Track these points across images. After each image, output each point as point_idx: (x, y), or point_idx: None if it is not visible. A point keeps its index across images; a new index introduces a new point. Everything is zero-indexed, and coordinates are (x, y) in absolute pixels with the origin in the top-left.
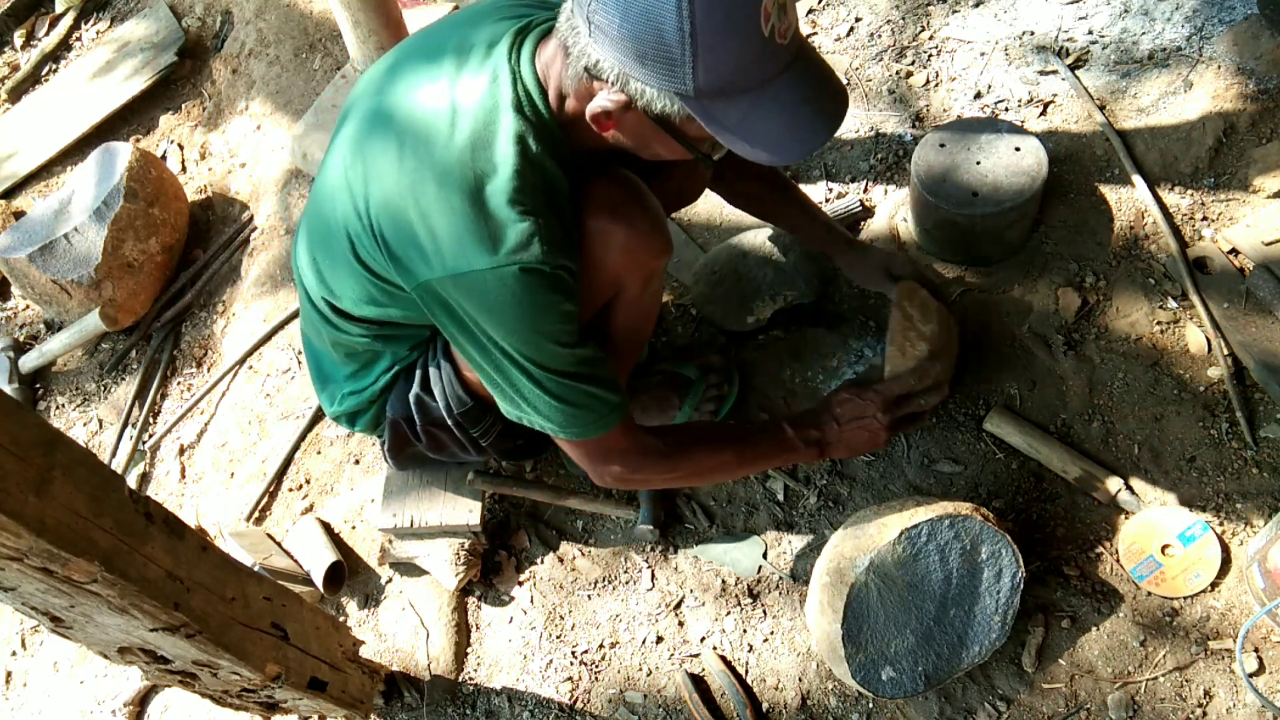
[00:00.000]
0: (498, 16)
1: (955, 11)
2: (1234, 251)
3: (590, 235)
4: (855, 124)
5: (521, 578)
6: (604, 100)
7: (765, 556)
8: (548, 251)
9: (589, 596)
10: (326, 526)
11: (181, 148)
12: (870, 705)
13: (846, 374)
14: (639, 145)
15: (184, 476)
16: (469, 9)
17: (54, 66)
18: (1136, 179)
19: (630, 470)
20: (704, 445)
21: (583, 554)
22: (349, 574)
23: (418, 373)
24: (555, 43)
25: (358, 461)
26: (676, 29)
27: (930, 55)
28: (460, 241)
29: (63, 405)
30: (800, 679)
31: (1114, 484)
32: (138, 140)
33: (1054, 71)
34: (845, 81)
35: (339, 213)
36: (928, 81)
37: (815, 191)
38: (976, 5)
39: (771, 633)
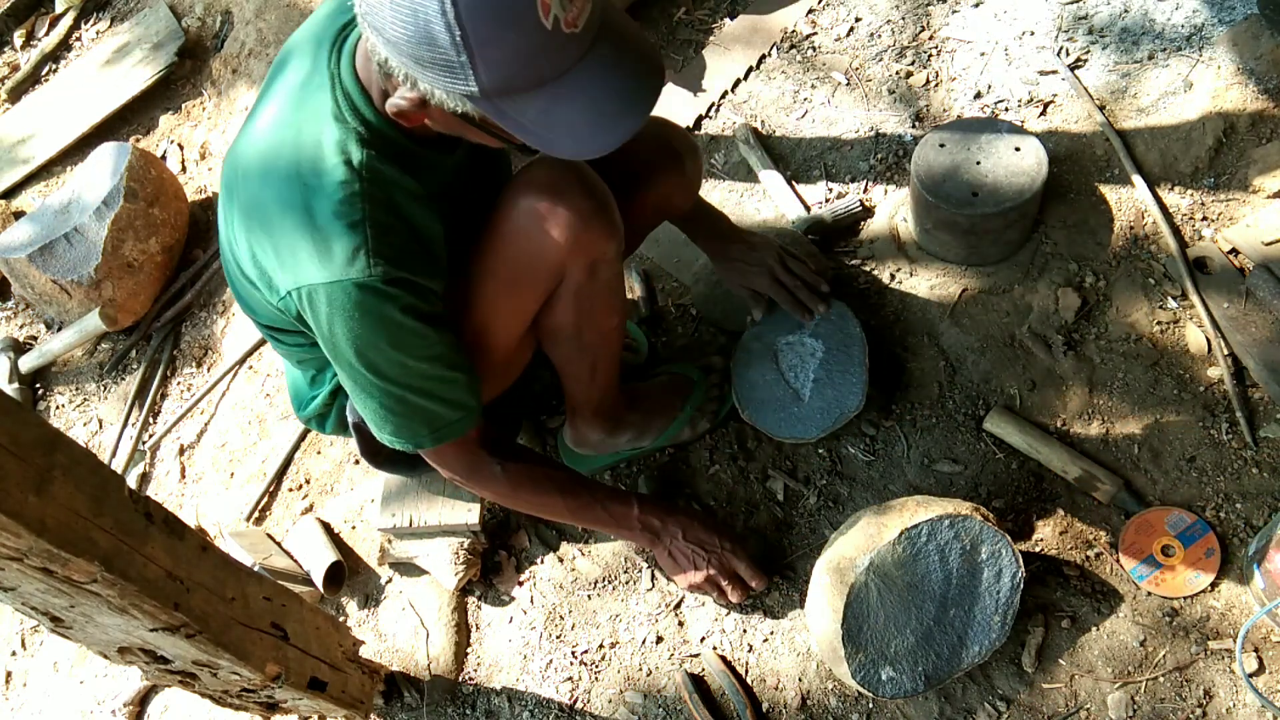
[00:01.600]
0: (332, 11)
1: (955, 11)
2: (1234, 251)
3: (520, 217)
4: (855, 124)
5: (521, 578)
6: (399, 99)
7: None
8: (377, 264)
9: (589, 596)
10: (326, 526)
11: (181, 148)
12: (870, 705)
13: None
14: (459, 134)
15: (184, 476)
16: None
17: (54, 66)
18: (1136, 179)
19: (459, 477)
20: (542, 489)
21: (583, 554)
22: (349, 574)
23: None
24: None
25: (358, 461)
26: (445, 31)
27: (930, 55)
28: (297, 257)
29: (63, 405)
30: (800, 679)
31: (1114, 484)
32: (138, 140)
33: (1054, 71)
34: (845, 81)
35: (222, 232)
36: (928, 81)
37: (815, 192)
38: (976, 5)
39: (771, 633)
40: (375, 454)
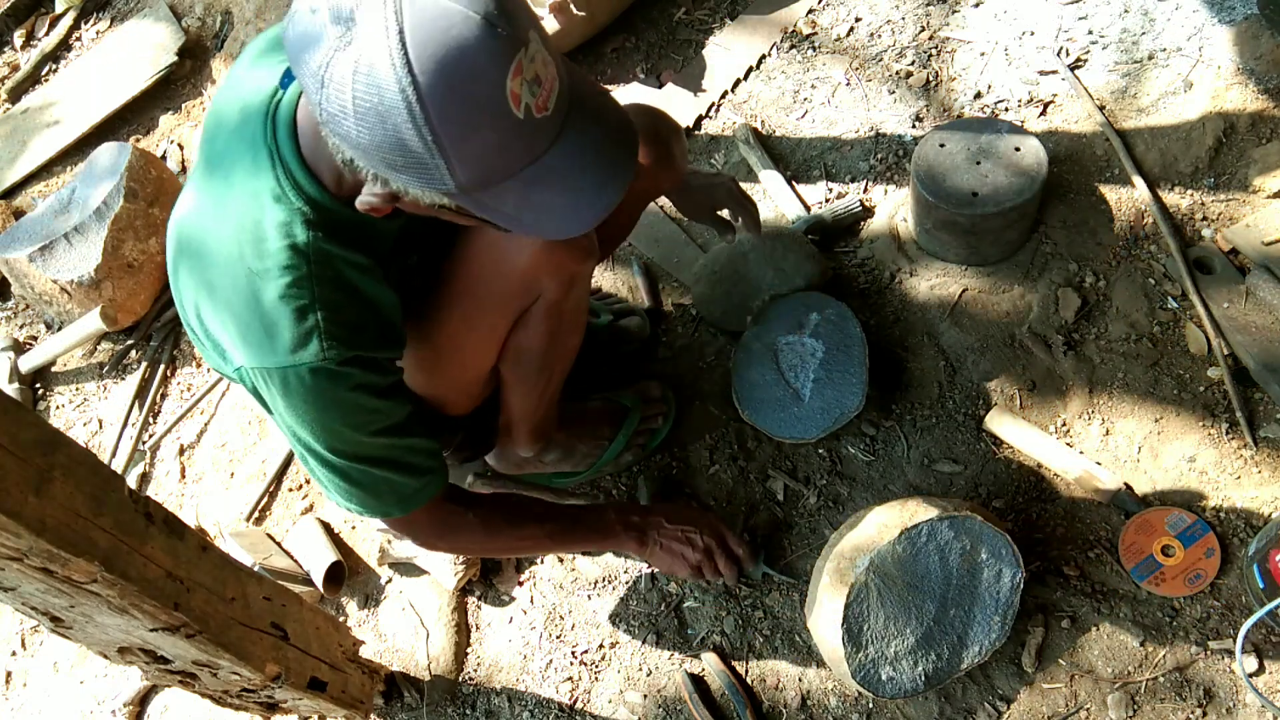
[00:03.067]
0: (255, 77)
1: (955, 11)
2: (1234, 251)
3: (500, 236)
4: (855, 124)
5: (521, 578)
6: (370, 196)
7: (766, 563)
8: (331, 346)
9: (589, 596)
10: (326, 526)
11: (181, 148)
12: (870, 705)
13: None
14: (433, 216)
15: (184, 476)
16: (249, 52)
17: (54, 66)
18: (1136, 179)
19: (436, 541)
20: (519, 527)
21: (583, 554)
22: (349, 574)
23: None
24: (313, 118)
25: None
26: (417, 136)
27: (930, 55)
28: (246, 341)
29: (63, 405)
30: (800, 679)
31: (1114, 484)
32: (138, 140)
33: (1054, 71)
34: (845, 82)
35: (173, 286)
36: (928, 81)
37: (815, 192)
38: (976, 5)
39: (771, 633)
40: None
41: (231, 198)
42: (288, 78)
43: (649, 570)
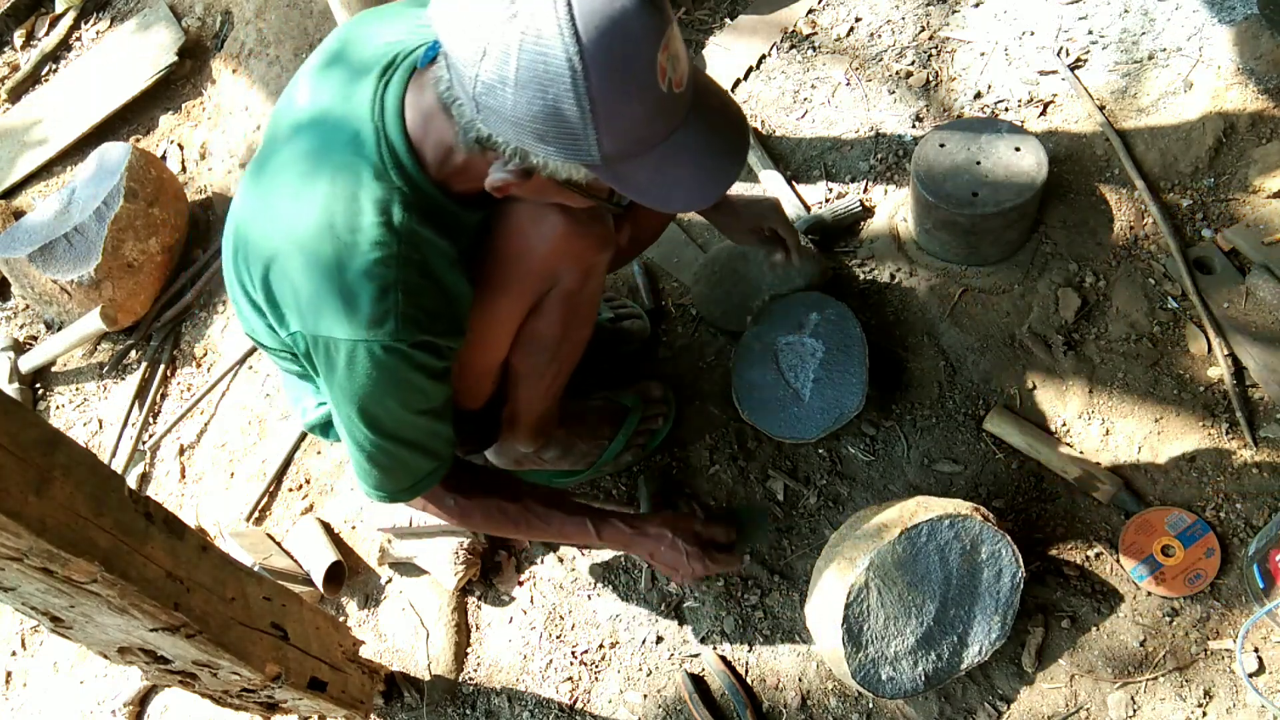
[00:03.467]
0: (370, 46)
1: (955, 11)
2: (1234, 251)
3: (525, 222)
4: (855, 124)
5: (521, 578)
6: (502, 174)
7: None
8: (404, 329)
9: (589, 596)
10: (326, 526)
11: (181, 148)
12: (870, 705)
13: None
14: (539, 199)
15: (184, 476)
16: (351, 31)
17: (54, 66)
18: (1136, 179)
19: (423, 510)
20: (504, 517)
21: (583, 554)
22: (349, 574)
23: None
24: (433, 98)
25: None
26: (575, 107)
27: (930, 55)
28: (319, 309)
29: (63, 405)
30: (800, 679)
31: (1114, 484)
32: (138, 140)
33: (1054, 71)
34: (845, 82)
35: (230, 243)
36: (928, 81)
37: (815, 192)
38: (976, 5)
39: (771, 633)
40: None
41: (326, 168)
42: (391, 65)
43: (649, 570)
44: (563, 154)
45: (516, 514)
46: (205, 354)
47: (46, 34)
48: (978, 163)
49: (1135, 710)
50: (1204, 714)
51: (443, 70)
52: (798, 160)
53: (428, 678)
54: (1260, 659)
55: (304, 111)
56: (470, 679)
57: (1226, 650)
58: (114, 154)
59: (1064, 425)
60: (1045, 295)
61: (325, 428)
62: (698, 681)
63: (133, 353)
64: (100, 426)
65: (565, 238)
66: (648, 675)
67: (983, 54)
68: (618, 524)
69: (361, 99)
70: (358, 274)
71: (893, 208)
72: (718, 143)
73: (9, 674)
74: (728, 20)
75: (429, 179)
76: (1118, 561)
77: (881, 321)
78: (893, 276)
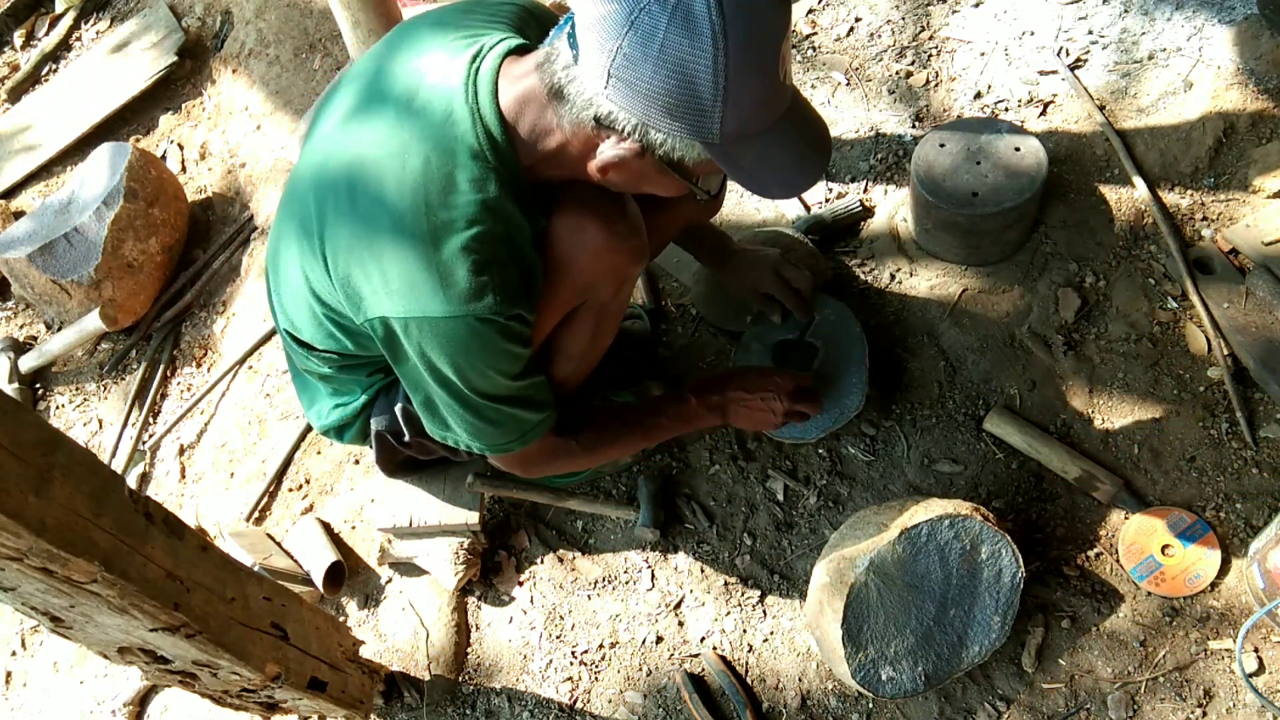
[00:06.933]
0: (448, 38)
1: (955, 11)
2: (1234, 251)
3: (565, 234)
4: (855, 124)
5: (521, 578)
6: (616, 149)
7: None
8: (501, 302)
9: (589, 596)
10: (326, 526)
11: (181, 148)
12: (870, 705)
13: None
14: (630, 186)
15: (184, 476)
16: (415, 28)
17: (54, 66)
18: (1136, 179)
19: (543, 468)
20: (613, 438)
21: (583, 554)
22: (349, 574)
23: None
24: (535, 83)
25: (357, 461)
26: (711, 81)
27: (930, 55)
28: (414, 286)
29: (63, 405)
30: (800, 679)
31: (1114, 484)
32: (138, 140)
33: (1054, 71)
34: (845, 82)
35: (295, 248)
36: (928, 81)
37: (815, 191)
38: (976, 5)
39: (771, 633)
40: (391, 464)
41: (418, 146)
42: (478, 53)
43: (649, 570)
44: (686, 129)
45: (624, 421)
46: (205, 354)
47: (46, 34)
48: (977, 163)
49: (1135, 710)
50: (1204, 714)
51: (561, 49)
52: None
53: (428, 678)
54: (1260, 659)
55: (385, 90)
56: (470, 679)
57: (1226, 650)
58: (114, 154)
59: (1064, 425)
60: (1045, 295)
61: (341, 430)
62: (697, 681)
63: (133, 353)
64: (100, 426)
65: (603, 250)
66: (647, 675)
67: (982, 54)
68: (694, 404)
69: (452, 79)
70: (454, 251)
71: (893, 208)
72: (811, 137)
73: (9, 674)
74: None
75: (518, 162)
76: (1118, 561)
77: (881, 321)
78: (893, 276)
